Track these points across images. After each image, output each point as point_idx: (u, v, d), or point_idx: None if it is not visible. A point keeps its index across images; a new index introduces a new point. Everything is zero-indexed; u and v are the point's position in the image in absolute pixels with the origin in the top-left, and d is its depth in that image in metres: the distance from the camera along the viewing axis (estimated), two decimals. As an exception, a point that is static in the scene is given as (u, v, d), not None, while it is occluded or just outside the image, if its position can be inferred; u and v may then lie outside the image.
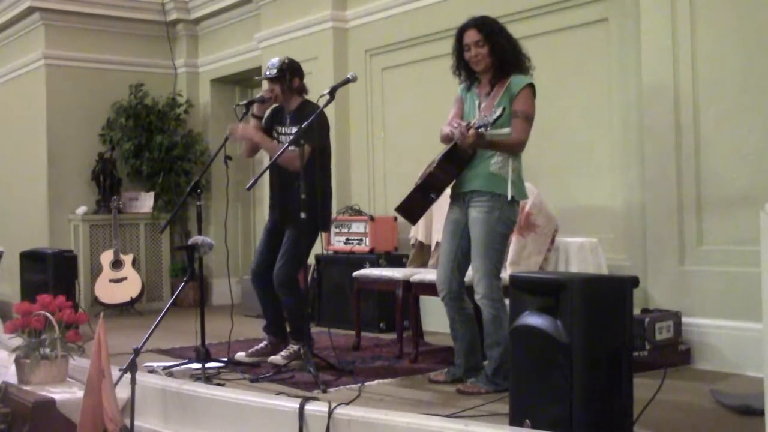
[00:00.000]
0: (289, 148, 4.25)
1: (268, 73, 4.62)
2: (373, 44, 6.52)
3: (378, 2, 6.41)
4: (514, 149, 3.81)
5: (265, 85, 4.75)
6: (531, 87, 3.84)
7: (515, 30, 5.40)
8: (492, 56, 3.87)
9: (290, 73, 4.62)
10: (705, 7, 4.35)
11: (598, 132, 5.04)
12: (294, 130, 4.49)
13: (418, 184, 3.96)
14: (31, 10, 7.94)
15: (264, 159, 4.87)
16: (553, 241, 4.69)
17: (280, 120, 4.70)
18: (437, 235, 5.27)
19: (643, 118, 4.65)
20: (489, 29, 3.89)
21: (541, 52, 5.30)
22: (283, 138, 4.62)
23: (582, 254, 4.70)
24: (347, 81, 4.38)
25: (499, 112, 3.58)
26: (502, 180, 3.80)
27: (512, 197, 3.80)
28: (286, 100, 4.64)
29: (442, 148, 3.95)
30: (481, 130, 3.59)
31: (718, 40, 4.31)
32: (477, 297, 3.84)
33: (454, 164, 3.87)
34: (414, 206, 3.99)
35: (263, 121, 4.70)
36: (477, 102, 3.94)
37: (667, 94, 4.48)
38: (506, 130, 3.78)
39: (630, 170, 4.82)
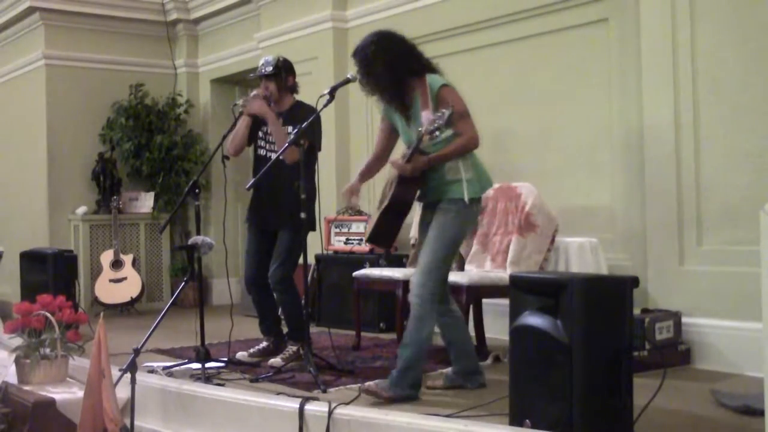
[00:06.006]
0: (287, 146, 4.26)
1: (264, 70, 4.63)
2: (373, 44, 6.51)
3: (378, 2, 6.41)
4: (465, 151, 3.69)
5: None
6: (446, 86, 3.70)
7: (516, 30, 5.46)
8: (381, 88, 3.77)
9: (285, 70, 4.65)
10: (705, 7, 4.35)
11: (598, 132, 5.04)
12: (289, 129, 4.51)
13: (386, 206, 3.81)
14: (31, 10, 7.94)
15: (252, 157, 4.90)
16: (553, 241, 4.69)
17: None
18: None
19: (643, 118, 4.65)
20: (362, 66, 3.79)
21: (541, 52, 5.34)
22: (272, 138, 4.61)
23: (582, 254, 4.70)
24: (347, 81, 4.37)
25: (448, 111, 3.49)
26: (458, 183, 3.70)
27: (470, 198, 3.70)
28: (280, 99, 4.64)
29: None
30: (437, 133, 3.52)
31: (718, 40, 4.31)
32: (410, 294, 3.73)
33: (410, 181, 3.76)
34: (387, 230, 3.86)
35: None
36: (403, 120, 3.82)
37: (667, 95, 4.48)
38: (449, 132, 3.66)
39: (630, 170, 4.82)
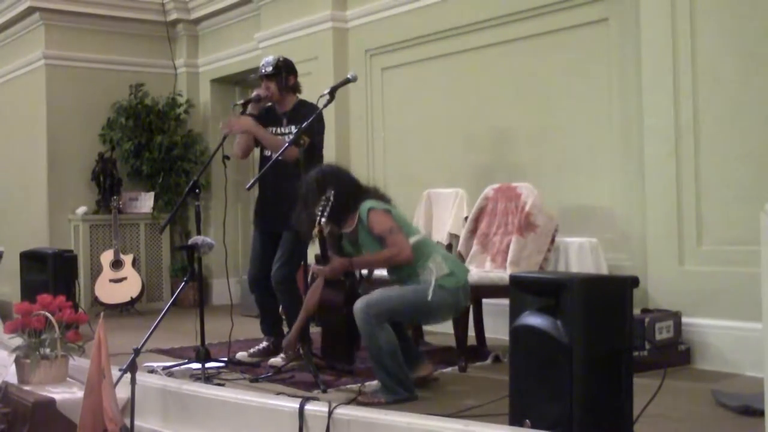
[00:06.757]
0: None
1: (264, 70, 4.64)
2: (373, 44, 6.52)
3: (378, 2, 6.41)
4: (390, 262, 3.84)
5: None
6: (371, 210, 3.83)
7: (516, 30, 5.46)
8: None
9: (286, 70, 4.65)
10: (705, 6, 4.35)
11: (598, 132, 5.04)
12: (292, 129, 4.51)
13: (317, 315, 3.98)
14: (31, 10, 7.95)
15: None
16: (553, 241, 4.69)
17: (274, 120, 4.70)
18: (438, 235, 5.28)
19: (643, 118, 4.65)
20: (302, 201, 3.93)
21: (541, 52, 5.34)
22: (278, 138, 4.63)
23: (582, 254, 4.70)
24: (347, 81, 4.38)
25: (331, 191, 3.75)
26: (433, 277, 3.77)
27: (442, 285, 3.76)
28: (282, 98, 4.65)
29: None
30: (322, 220, 3.71)
31: (718, 40, 4.31)
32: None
33: (334, 284, 3.89)
34: (339, 342, 3.98)
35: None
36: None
37: (667, 94, 4.48)
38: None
39: (630, 170, 4.82)
